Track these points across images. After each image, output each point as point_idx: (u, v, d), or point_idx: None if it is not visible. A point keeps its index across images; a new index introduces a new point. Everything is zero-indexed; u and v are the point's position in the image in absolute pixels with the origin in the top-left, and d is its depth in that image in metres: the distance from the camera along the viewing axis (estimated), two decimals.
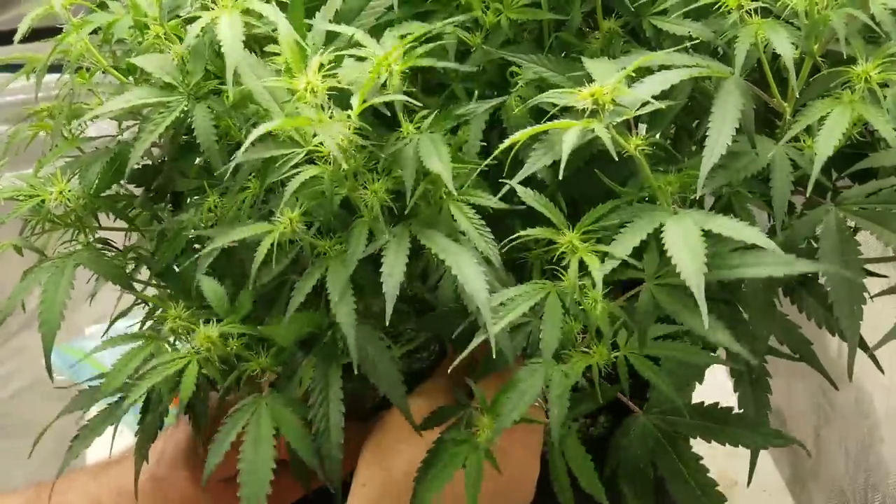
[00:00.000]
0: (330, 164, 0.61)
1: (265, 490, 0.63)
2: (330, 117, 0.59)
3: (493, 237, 0.62)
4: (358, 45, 0.64)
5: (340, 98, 0.60)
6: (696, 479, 0.66)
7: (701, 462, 0.66)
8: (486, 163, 0.65)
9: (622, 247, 0.55)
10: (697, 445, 1.02)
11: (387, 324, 0.59)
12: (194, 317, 0.70)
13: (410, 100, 0.61)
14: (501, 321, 0.59)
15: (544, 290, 0.61)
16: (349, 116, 0.59)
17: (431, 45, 0.65)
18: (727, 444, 0.67)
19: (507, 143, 0.59)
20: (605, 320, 0.60)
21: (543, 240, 0.63)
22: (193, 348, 0.68)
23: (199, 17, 0.63)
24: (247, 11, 0.63)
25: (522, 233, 0.61)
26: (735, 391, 0.71)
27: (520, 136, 0.58)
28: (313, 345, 0.69)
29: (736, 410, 0.69)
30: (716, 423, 0.68)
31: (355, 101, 0.59)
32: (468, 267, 0.60)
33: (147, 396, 0.74)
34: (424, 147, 0.60)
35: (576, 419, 0.71)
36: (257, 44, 0.67)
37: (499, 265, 0.62)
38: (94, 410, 0.77)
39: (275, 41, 0.65)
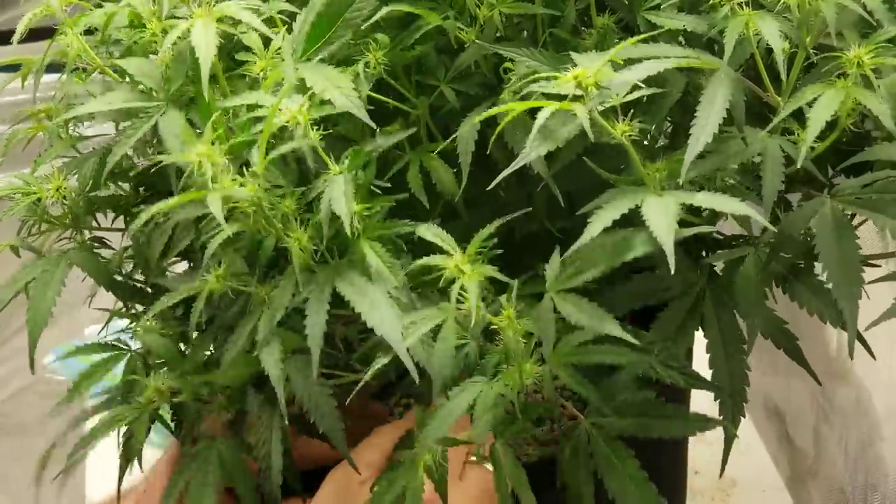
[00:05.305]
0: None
1: None
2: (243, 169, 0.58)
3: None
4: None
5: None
6: (630, 474, 0.65)
7: (634, 459, 0.66)
8: (401, 196, 0.66)
9: (600, 222, 0.55)
10: (698, 450, 1.02)
11: (315, 377, 0.61)
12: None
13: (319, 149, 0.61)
14: (405, 342, 0.59)
15: (443, 315, 0.60)
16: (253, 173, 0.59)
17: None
18: (657, 435, 0.66)
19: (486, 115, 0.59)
20: (518, 339, 0.59)
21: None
22: (144, 401, 0.69)
23: (177, 23, 0.63)
24: (222, 19, 0.63)
25: (419, 262, 0.61)
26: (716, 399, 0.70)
27: (493, 111, 0.58)
28: (265, 384, 0.69)
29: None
30: (648, 417, 0.67)
31: (255, 157, 0.59)
32: (381, 306, 0.60)
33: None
34: (335, 190, 0.61)
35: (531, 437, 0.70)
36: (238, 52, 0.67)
37: (406, 299, 0.62)
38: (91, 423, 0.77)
39: (248, 49, 0.66)
